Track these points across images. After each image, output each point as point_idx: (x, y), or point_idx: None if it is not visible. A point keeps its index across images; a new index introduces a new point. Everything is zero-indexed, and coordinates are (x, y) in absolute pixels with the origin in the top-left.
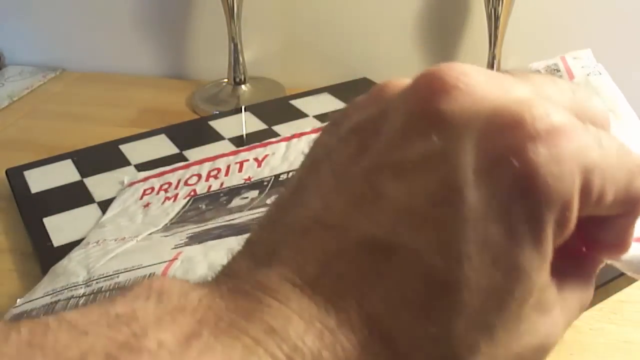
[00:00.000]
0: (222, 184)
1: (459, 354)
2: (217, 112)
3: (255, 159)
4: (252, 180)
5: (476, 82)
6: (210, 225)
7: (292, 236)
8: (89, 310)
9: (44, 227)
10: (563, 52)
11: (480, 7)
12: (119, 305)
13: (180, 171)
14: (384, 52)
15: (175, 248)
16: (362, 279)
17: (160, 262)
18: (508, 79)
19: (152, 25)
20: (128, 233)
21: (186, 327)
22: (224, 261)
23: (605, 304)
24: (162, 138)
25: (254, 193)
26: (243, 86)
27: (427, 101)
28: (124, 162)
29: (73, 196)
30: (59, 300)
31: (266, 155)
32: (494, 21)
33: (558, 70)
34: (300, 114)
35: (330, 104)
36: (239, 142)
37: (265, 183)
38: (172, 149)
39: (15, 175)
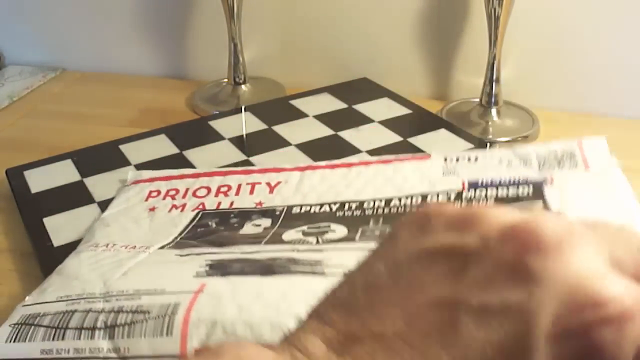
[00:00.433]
0: (232, 204)
1: None
2: (217, 112)
3: (268, 184)
4: (263, 206)
5: (567, 246)
6: (227, 254)
7: (372, 342)
8: None
9: (44, 227)
10: (563, 53)
11: (480, 7)
12: None
13: (189, 180)
14: (384, 52)
15: (197, 277)
16: None
17: (184, 292)
18: (591, 243)
19: (152, 25)
20: (137, 241)
21: None
22: (256, 305)
23: None
24: (162, 138)
25: (266, 222)
26: (243, 86)
27: (521, 255)
28: (124, 162)
29: (73, 196)
30: (75, 311)
31: (279, 182)
32: (494, 21)
33: (574, 157)
34: (300, 114)
35: (330, 104)
36: (239, 142)
37: (278, 213)
38: (172, 149)
39: (15, 175)
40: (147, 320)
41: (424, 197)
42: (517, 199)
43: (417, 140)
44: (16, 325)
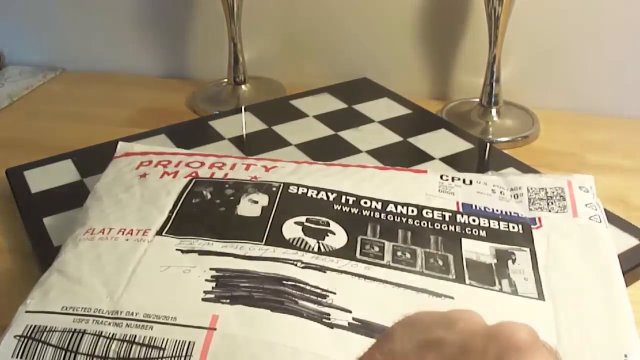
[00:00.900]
0: (226, 175)
1: None
2: (217, 112)
3: (264, 166)
4: (258, 179)
5: (535, 348)
6: (231, 257)
7: None
8: None
9: (44, 227)
10: (563, 53)
11: (480, 7)
12: None
13: (182, 155)
14: (384, 52)
15: (206, 301)
16: None
17: (197, 328)
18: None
19: (152, 25)
20: (132, 220)
21: None
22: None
23: None
24: (162, 138)
25: (263, 199)
26: (243, 86)
27: (504, 353)
28: None
29: (73, 196)
30: (85, 332)
31: (275, 166)
32: (494, 21)
33: (564, 199)
34: (300, 114)
35: (330, 104)
36: (239, 142)
37: (274, 189)
38: (173, 149)
39: (15, 175)
40: (162, 358)
41: (420, 210)
42: (508, 235)
43: (417, 141)
44: (22, 338)
